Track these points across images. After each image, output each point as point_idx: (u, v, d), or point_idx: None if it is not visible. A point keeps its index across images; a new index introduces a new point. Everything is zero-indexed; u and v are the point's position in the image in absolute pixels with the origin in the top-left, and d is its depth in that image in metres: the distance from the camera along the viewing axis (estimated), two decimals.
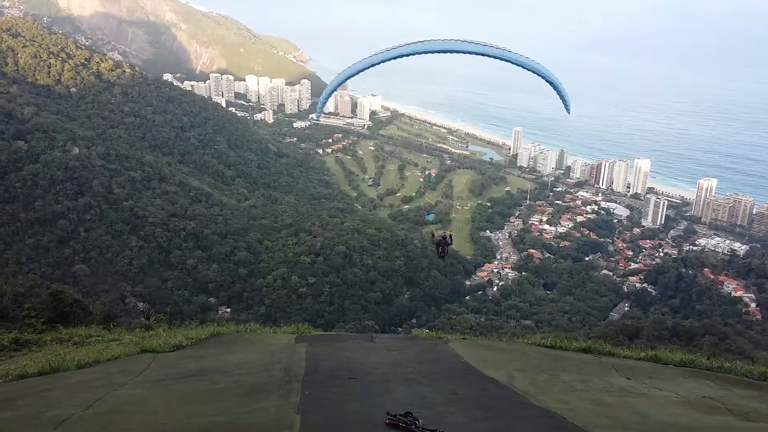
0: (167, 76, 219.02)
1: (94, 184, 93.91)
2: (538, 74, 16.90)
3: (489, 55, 15.75)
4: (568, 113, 17.74)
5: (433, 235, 20.06)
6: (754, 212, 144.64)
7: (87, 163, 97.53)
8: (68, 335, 15.20)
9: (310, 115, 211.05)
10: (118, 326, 17.66)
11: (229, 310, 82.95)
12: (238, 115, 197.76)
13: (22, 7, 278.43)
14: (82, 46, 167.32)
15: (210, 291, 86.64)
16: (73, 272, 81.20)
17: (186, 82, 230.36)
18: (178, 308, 67.26)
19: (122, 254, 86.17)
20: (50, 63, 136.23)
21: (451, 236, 19.71)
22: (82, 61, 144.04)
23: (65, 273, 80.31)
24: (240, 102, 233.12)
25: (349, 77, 16.80)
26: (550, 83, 17.03)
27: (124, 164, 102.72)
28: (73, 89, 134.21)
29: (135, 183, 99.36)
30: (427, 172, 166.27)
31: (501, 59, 15.94)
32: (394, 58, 15.88)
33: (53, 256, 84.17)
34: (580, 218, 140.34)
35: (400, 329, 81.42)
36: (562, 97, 17.42)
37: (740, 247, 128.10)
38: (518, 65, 16.40)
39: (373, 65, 16.14)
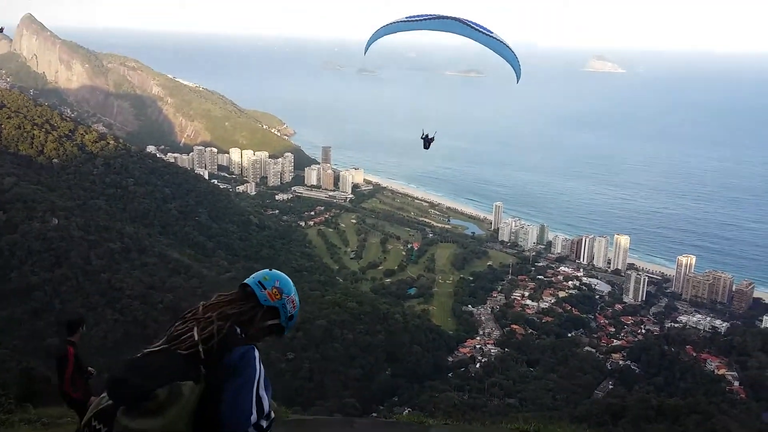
0: (151, 148, 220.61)
1: (71, 256, 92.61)
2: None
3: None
4: (518, 82, 20.33)
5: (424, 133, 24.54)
6: (733, 289, 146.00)
7: (65, 234, 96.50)
8: (38, 416, 14.60)
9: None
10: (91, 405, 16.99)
11: None
12: (221, 186, 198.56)
13: (9, 80, 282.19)
14: (67, 118, 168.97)
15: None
16: (46, 346, 78.80)
17: (169, 153, 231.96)
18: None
19: (97, 327, 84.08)
20: (34, 134, 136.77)
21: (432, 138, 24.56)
22: (66, 132, 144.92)
23: (38, 347, 77.84)
24: (223, 174, 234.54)
25: (376, 38, 19.46)
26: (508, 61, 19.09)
27: (103, 235, 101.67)
28: (56, 160, 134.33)
29: (113, 254, 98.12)
30: (409, 246, 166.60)
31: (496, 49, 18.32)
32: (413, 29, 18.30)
33: (26, 328, 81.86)
34: (562, 293, 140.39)
35: (381, 407, 79.50)
36: (514, 67, 19.38)
37: (721, 324, 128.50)
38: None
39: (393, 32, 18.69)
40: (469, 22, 17.80)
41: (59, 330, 11.02)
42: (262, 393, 4.03)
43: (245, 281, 4.49)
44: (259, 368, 4.08)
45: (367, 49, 20.45)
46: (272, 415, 4.03)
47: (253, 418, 3.89)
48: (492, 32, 18.07)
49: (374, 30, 19.28)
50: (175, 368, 3.82)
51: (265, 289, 4.42)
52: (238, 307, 4.34)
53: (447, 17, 17.75)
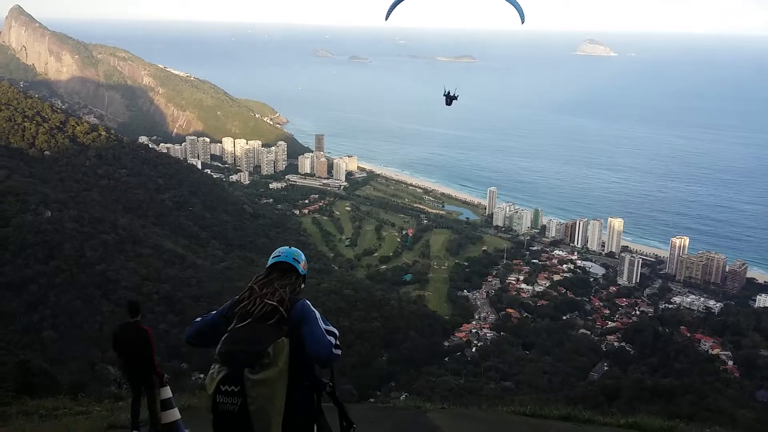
0: (143, 139, 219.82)
1: (65, 248, 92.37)
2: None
3: None
4: (522, 23, 21.39)
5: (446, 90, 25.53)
6: (726, 270, 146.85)
7: (59, 226, 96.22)
8: (35, 408, 14.69)
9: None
10: (86, 396, 17.12)
11: (202, 375, 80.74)
12: (214, 176, 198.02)
13: None
14: (58, 110, 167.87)
15: (183, 356, 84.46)
16: (42, 338, 78.82)
17: (162, 144, 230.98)
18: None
19: (92, 319, 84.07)
20: (25, 126, 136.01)
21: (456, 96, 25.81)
22: (57, 124, 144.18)
23: (33, 339, 77.83)
24: (216, 164, 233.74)
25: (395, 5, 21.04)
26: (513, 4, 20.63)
27: (97, 227, 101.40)
28: (47, 152, 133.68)
29: (108, 246, 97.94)
30: (404, 232, 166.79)
31: None
32: None
33: (21, 321, 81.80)
34: (556, 277, 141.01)
35: (378, 393, 79.85)
36: (518, 9, 20.84)
37: (715, 305, 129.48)
38: None
39: None
40: None
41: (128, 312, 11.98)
42: (327, 326, 5.52)
43: (281, 259, 5.99)
44: (315, 310, 5.56)
45: (388, 15, 21.81)
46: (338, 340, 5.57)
47: (332, 341, 5.46)
48: None
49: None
50: (270, 331, 5.31)
51: (299, 263, 6.01)
52: (288, 280, 5.84)
53: None
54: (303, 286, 5.98)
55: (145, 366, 12.52)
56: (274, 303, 5.47)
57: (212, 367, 5.30)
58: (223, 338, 5.35)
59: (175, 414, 12.33)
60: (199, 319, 6.02)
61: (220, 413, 5.21)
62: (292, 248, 6.13)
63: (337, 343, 5.52)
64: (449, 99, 25.57)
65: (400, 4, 20.73)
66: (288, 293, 5.62)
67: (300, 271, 5.97)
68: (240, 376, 5.15)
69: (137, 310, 12.90)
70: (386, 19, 21.90)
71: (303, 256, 6.11)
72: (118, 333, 12.78)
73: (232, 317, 5.54)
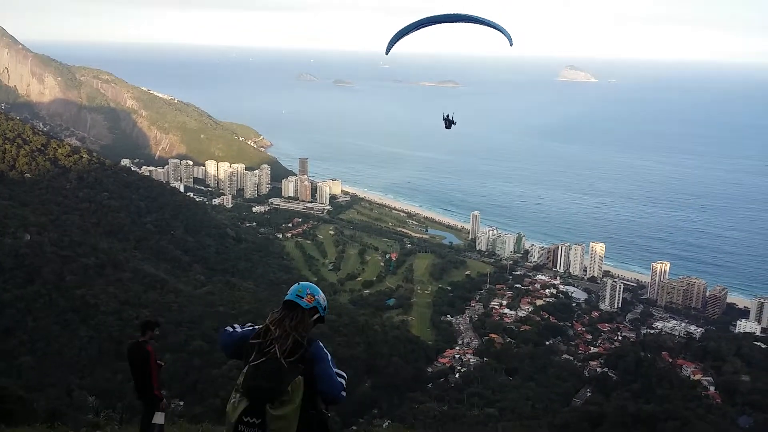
0: (125, 162, 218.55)
1: (44, 272, 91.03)
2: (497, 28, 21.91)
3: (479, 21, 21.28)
4: (511, 45, 22.57)
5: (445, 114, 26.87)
6: (707, 295, 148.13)
7: (38, 249, 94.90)
8: None
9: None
10: (63, 425, 16.77)
11: (182, 403, 79.32)
12: (197, 199, 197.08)
13: None
14: (40, 132, 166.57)
15: (162, 383, 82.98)
16: (18, 364, 77.24)
17: (144, 167, 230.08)
18: (128, 402, 64.14)
19: (71, 345, 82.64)
20: (5, 148, 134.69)
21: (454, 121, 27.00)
22: (39, 146, 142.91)
23: (10, 365, 76.28)
24: (199, 187, 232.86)
25: (396, 39, 22.41)
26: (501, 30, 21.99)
27: (77, 251, 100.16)
28: (28, 174, 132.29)
29: (87, 270, 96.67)
30: (387, 256, 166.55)
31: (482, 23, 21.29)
32: (417, 27, 21.55)
33: None
34: (539, 302, 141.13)
35: (361, 420, 78.99)
36: (506, 34, 22.10)
37: (696, 330, 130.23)
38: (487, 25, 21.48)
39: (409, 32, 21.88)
40: (463, 13, 21.49)
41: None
42: (336, 369, 6.32)
43: (287, 298, 6.41)
44: (328, 353, 6.28)
45: (388, 49, 22.77)
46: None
47: (342, 383, 6.27)
48: (480, 16, 21.47)
49: (390, 35, 22.33)
50: (289, 370, 5.96)
51: (302, 298, 6.41)
52: (296, 318, 6.29)
53: (447, 14, 21.32)
54: (318, 316, 6.53)
55: (145, 385, 13.50)
56: (289, 346, 6.09)
57: (233, 396, 5.99)
58: (245, 371, 6.00)
59: None
60: (229, 329, 6.62)
61: None
62: (301, 283, 6.60)
63: (345, 386, 6.28)
64: (448, 123, 26.55)
65: (401, 38, 22.11)
66: (300, 333, 6.21)
67: (303, 305, 6.38)
68: (261, 410, 5.88)
69: (145, 329, 13.56)
70: (387, 53, 22.88)
71: (310, 289, 6.49)
72: (127, 351, 13.68)
73: (252, 348, 6.16)
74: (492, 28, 21.69)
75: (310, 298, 6.46)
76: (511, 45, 22.47)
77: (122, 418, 21.26)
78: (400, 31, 22.06)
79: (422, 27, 21.59)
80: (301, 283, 6.63)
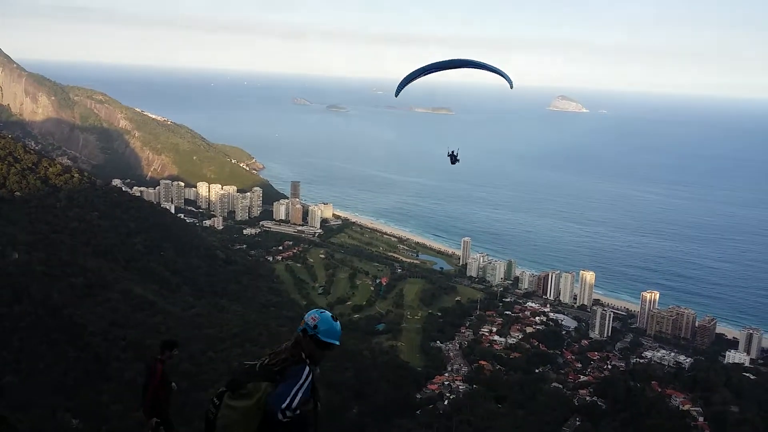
0: (116, 182, 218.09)
1: (32, 291, 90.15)
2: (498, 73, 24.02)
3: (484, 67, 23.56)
4: (511, 88, 24.34)
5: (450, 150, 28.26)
6: (696, 325, 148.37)
7: (26, 269, 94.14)
8: None
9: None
10: None
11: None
12: (187, 221, 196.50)
13: None
14: (31, 151, 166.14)
15: (167, 406, 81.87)
16: (2, 384, 76.10)
17: (135, 187, 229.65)
18: (113, 425, 63.19)
19: (57, 365, 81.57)
20: None
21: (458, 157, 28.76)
22: (30, 165, 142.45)
23: None
24: (190, 208, 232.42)
25: (406, 81, 24.43)
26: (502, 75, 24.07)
27: (66, 270, 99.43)
28: (18, 193, 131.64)
29: (75, 290, 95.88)
30: (378, 281, 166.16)
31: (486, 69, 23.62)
32: (426, 72, 23.48)
33: None
34: (529, 329, 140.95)
35: None
36: (507, 78, 24.15)
37: (685, 360, 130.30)
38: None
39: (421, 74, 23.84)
40: (467, 58, 22.98)
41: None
42: (299, 393, 6.40)
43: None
44: (304, 378, 6.52)
45: (398, 92, 24.37)
46: (296, 411, 6.32)
47: (284, 404, 6.28)
48: (484, 62, 23.37)
49: (400, 77, 24.10)
50: (261, 375, 6.59)
51: (300, 321, 7.11)
52: (293, 340, 7.08)
53: (452, 59, 22.95)
54: (313, 335, 7.00)
55: (159, 404, 14.08)
56: (279, 360, 6.81)
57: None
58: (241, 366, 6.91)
59: None
60: None
61: (205, 415, 6.79)
62: (309, 311, 7.30)
63: (291, 409, 6.33)
64: (453, 159, 28.35)
65: (410, 82, 24.01)
66: (292, 352, 6.87)
67: (298, 330, 7.09)
68: (221, 395, 6.73)
69: (163, 348, 13.94)
70: (396, 95, 24.53)
71: (311, 314, 7.17)
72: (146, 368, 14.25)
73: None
74: (494, 73, 23.55)
75: (301, 323, 7.07)
76: (511, 88, 24.12)
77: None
78: (409, 75, 23.68)
79: (430, 72, 23.11)
80: (312, 309, 7.37)
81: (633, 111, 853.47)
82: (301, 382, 6.47)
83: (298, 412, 6.36)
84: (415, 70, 23.42)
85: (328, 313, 7.23)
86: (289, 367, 6.61)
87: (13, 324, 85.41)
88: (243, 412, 6.38)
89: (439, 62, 22.95)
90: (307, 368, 6.63)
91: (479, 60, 23.09)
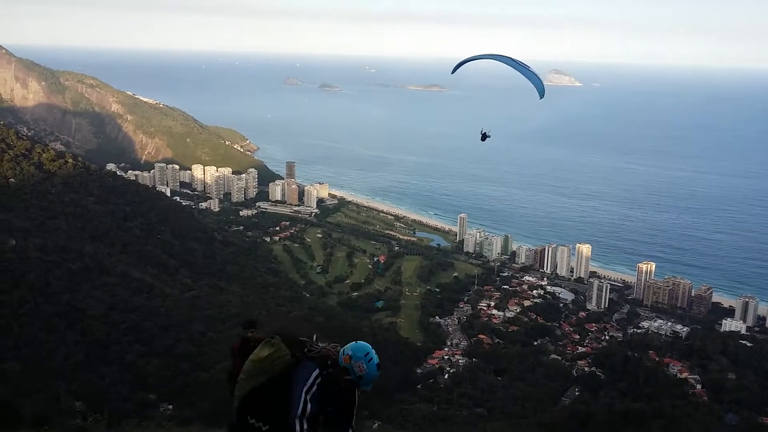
0: (111, 166, 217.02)
1: (29, 277, 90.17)
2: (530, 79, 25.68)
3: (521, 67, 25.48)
4: (541, 98, 25.90)
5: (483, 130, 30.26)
6: (692, 294, 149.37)
7: (23, 255, 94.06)
8: None
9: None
10: (50, 429, 16.65)
11: (171, 406, 78.82)
12: (183, 204, 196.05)
13: None
14: (24, 137, 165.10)
15: (150, 387, 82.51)
16: (4, 370, 76.41)
17: (130, 171, 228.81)
18: (115, 407, 63.66)
19: (57, 350, 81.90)
20: None
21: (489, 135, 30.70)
22: (23, 151, 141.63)
23: None
24: (185, 191, 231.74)
25: (461, 63, 27.24)
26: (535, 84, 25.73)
27: (63, 256, 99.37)
28: (12, 180, 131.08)
29: (73, 275, 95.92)
30: (375, 259, 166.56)
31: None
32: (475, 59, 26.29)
33: None
34: (527, 302, 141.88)
35: None
36: (539, 89, 25.73)
37: (682, 329, 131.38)
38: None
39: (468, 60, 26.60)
40: (513, 59, 25.19)
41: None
42: (307, 397, 6.41)
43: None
44: (311, 377, 6.52)
45: (455, 70, 26.90)
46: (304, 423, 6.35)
47: (297, 413, 6.31)
48: (528, 65, 25.28)
49: (457, 59, 26.90)
50: (293, 344, 6.76)
51: (343, 354, 6.99)
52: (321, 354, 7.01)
53: (502, 54, 25.54)
54: (351, 381, 7.07)
55: None
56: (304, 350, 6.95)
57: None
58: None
59: None
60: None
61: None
62: (355, 343, 7.39)
63: (303, 423, 6.40)
64: (483, 137, 30.69)
65: (466, 63, 26.48)
66: (307, 353, 6.94)
67: (339, 360, 7.24)
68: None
69: (245, 327, 14.31)
70: (453, 72, 27.20)
71: (353, 353, 7.20)
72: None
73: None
74: (530, 81, 25.50)
75: (347, 359, 7.10)
76: (541, 98, 25.84)
77: (110, 423, 21.12)
78: (467, 58, 26.25)
79: (483, 59, 25.55)
80: (358, 342, 7.42)
81: (628, 84, 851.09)
82: (310, 380, 6.65)
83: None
84: (474, 55, 26.09)
85: (376, 360, 7.14)
86: (310, 360, 6.74)
87: (12, 310, 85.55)
88: (256, 363, 6.65)
89: (495, 54, 25.58)
90: (317, 369, 6.78)
91: (527, 64, 25.26)
